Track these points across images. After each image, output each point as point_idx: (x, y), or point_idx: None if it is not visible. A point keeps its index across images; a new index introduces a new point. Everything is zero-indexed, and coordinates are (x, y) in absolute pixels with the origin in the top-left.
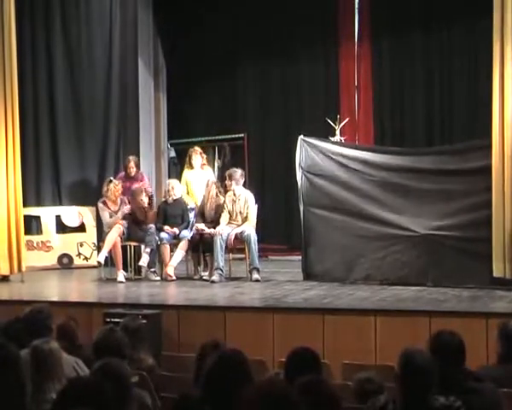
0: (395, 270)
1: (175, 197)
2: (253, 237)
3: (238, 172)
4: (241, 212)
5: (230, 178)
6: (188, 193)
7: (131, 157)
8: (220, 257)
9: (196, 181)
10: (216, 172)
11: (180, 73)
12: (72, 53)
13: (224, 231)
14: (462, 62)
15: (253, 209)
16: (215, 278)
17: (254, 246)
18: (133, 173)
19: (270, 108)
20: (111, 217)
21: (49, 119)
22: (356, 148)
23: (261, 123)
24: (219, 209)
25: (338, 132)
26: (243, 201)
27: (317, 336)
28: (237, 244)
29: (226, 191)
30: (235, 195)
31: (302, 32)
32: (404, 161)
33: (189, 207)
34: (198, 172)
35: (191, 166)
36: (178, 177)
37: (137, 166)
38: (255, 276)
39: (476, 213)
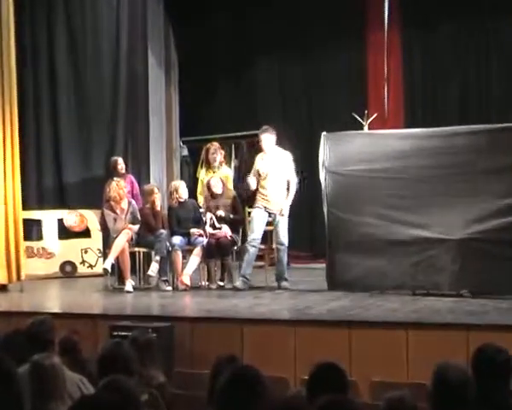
0: (430, 278)
1: (181, 199)
2: (286, 236)
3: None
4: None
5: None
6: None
7: (116, 157)
8: (250, 266)
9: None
10: (232, 173)
11: (193, 66)
12: (77, 47)
13: (256, 233)
14: (498, 52)
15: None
16: (239, 284)
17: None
18: (123, 170)
19: (290, 103)
20: (116, 221)
21: (52, 117)
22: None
23: (281, 119)
24: (235, 204)
25: (366, 129)
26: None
27: (344, 351)
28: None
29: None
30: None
31: (325, 20)
32: (438, 158)
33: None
34: (216, 170)
35: (208, 164)
36: (191, 177)
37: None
38: (284, 283)
39: None
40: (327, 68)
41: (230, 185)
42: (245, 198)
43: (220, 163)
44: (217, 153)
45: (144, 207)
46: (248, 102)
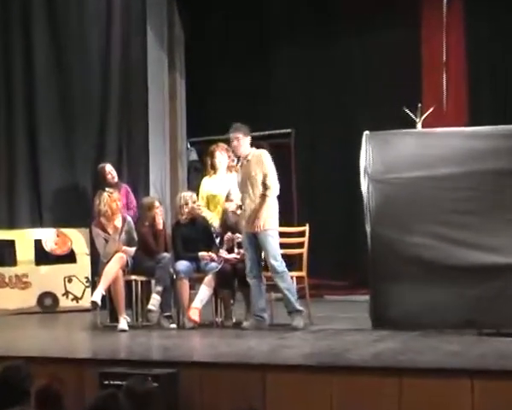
0: (500, 314)
1: (199, 211)
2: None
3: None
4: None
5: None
6: (208, 206)
7: (104, 164)
8: (259, 301)
9: (220, 190)
10: None
11: (203, 48)
12: (58, 23)
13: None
14: None
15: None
16: (246, 324)
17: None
18: (116, 179)
19: (323, 95)
20: (107, 243)
21: (27, 114)
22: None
23: (311, 115)
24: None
25: (419, 126)
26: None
27: (392, 405)
28: None
29: None
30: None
31: None
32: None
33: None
34: (223, 178)
35: (214, 170)
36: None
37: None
38: (297, 321)
39: None
40: (367, 53)
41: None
42: None
43: (228, 168)
44: (222, 155)
45: (143, 224)
46: (270, 94)
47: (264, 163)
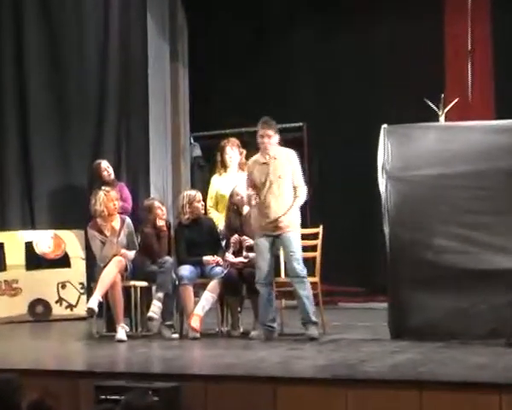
0: None
1: (203, 211)
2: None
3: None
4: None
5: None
6: (216, 207)
7: (100, 160)
8: (268, 310)
9: (231, 189)
10: None
11: (209, 35)
12: (52, 10)
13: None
14: None
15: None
16: (255, 334)
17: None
18: (112, 176)
19: (338, 86)
20: (104, 245)
21: (18, 109)
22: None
23: (324, 109)
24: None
25: (442, 119)
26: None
27: None
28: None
29: None
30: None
31: None
32: None
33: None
34: (234, 176)
35: (224, 167)
36: (206, 184)
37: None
38: (312, 330)
39: None
40: (385, 38)
41: None
42: None
43: (240, 166)
44: (234, 152)
45: (145, 226)
46: (281, 85)
47: (293, 163)
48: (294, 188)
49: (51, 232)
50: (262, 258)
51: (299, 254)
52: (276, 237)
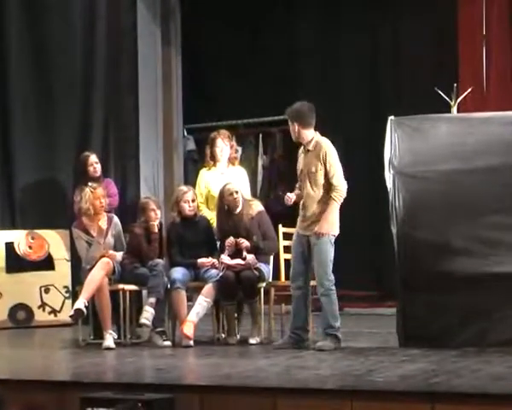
0: None
1: (190, 213)
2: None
3: None
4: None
5: None
6: (207, 204)
7: (89, 153)
8: (298, 316)
9: (221, 184)
10: (260, 173)
11: (203, 18)
12: None
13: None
14: None
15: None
16: (282, 342)
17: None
18: (98, 173)
19: (342, 75)
20: (90, 246)
21: None
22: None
23: (330, 98)
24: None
25: (455, 110)
26: None
27: None
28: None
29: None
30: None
31: None
32: None
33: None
34: (223, 171)
35: (214, 160)
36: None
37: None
38: (323, 343)
39: None
40: (393, 25)
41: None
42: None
43: (230, 160)
44: (225, 145)
45: (136, 225)
46: (282, 73)
47: (327, 157)
48: (331, 188)
49: (33, 232)
50: (294, 258)
51: (327, 263)
52: (308, 239)
